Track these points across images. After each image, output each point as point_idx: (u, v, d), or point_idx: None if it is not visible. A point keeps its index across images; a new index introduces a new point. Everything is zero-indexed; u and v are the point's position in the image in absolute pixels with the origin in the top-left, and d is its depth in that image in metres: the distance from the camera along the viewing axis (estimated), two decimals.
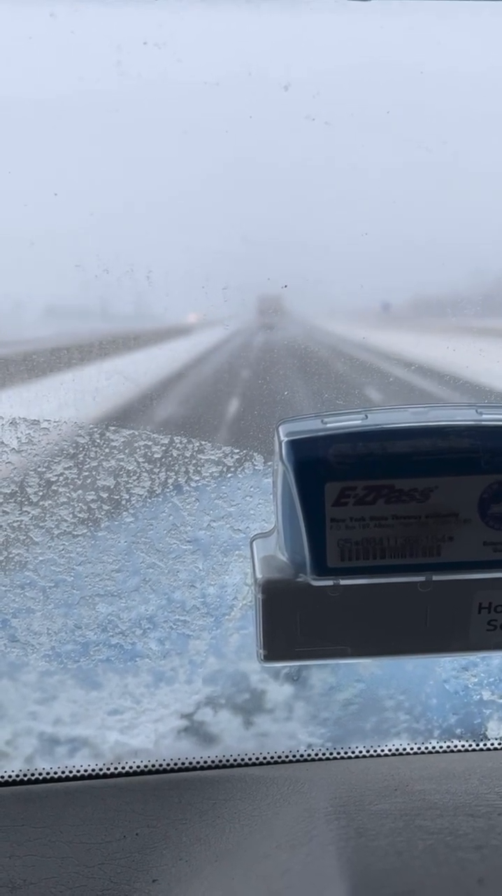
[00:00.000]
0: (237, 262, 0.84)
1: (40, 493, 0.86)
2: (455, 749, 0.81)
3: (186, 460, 0.85)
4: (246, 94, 0.76)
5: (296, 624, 0.56)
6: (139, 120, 0.81)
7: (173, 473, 0.86)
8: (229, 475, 0.86)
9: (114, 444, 0.86)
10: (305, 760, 0.79)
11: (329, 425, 0.53)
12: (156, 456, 0.86)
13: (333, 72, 0.78)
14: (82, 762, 0.80)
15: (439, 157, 0.82)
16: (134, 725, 0.90)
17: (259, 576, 0.56)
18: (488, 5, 0.72)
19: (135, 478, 0.86)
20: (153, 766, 0.79)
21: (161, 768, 0.79)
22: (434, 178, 0.85)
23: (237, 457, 0.85)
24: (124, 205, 0.84)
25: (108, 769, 0.79)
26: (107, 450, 0.86)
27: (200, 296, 0.82)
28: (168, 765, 0.79)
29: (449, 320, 0.93)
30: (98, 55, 0.74)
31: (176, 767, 0.79)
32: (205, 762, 0.79)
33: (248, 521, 0.84)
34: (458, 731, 0.87)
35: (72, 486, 0.86)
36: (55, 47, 0.73)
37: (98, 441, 0.86)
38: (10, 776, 0.78)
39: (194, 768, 0.79)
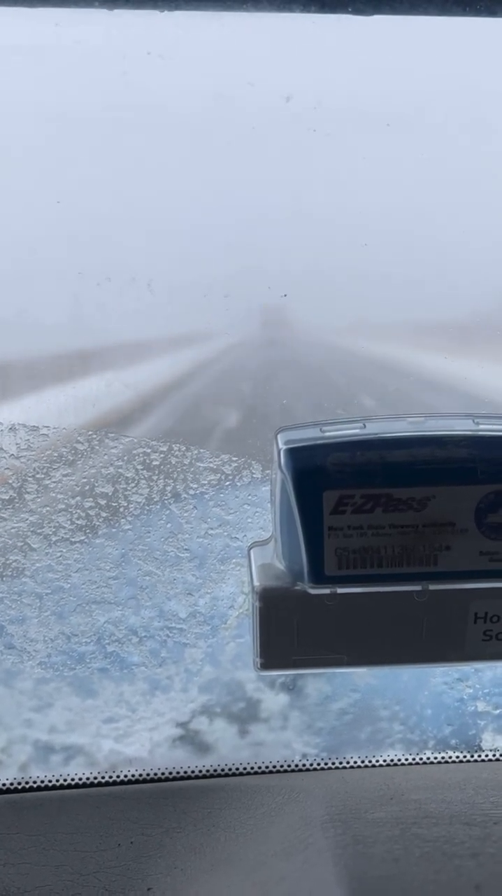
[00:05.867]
0: (238, 271, 0.84)
1: (38, 500, 0.86)
2: (450, 760, 0.81)
3: (185, 468, 0.86)
4: (248, 105, 0.77)
5: (292, 632, 0.56)
6: (142, 129, 0.81)
7: (171, 481, 0.86)
8: (227, 483, 0.86)
9: (113, 450, 0.86)
10: (300, 770, 0.79)
11: (327, 434, 0.53)
12: (154, 463, 0.86)
13: (334, 84, 0.79)
14: (77, 770, 0.80)
15: (440, 170, 0.83)
16: (129, 734, 0.90)
17: (256, 583, 0.56)
18: (490, 21, 0.73)
19: (133, 485, 0.86)
20: (148, 774, 0.79)
21: (156, 777, 0.78)
22: (435, 190, 0.86)
23: (235, 465, 0.85)
24: (126, 213, 0.84)
25: (103, 778, 0.78)
26: (105, 457, 0.86)
27: (202, 304, 0.82)
28: (163, 773, 0.79)
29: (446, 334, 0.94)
30: (102, 65, 0.74)
31: (171, 776, 0.79)
32: (200, 771, 0.79)
33: (246, 530, 0.85)
34: (453, 741, 0.87)
35: (70, 493, 0.86)
36: (60, 57, 0.74)
37: (97, 448, 0.86)
38: (3, 784, 0.78)
39: (189, 777, 0.79)
